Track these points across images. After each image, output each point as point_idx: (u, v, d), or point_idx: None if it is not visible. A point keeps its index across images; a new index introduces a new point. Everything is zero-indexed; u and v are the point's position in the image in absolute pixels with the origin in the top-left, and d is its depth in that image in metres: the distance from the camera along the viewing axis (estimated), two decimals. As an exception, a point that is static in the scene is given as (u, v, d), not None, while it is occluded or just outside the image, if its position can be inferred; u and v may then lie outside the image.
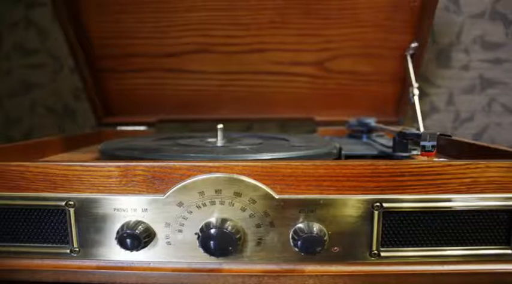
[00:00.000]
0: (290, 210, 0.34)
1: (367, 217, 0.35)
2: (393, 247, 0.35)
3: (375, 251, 0.35)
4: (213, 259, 0.35)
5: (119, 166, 0.35)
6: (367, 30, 0.71)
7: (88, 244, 0.36)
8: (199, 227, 0.34)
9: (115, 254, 0.36)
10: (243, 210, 0.35)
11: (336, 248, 0.35)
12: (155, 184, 0.35)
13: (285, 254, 0.35)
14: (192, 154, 0.42)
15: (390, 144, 0.52)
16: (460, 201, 0.34)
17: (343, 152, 0.50)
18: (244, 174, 0.34)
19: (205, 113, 0.81)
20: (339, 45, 0.73)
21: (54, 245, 0.37)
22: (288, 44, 0.74)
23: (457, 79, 0.88)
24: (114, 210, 0.35)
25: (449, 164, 0.34)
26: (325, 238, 0.34)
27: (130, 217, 0.35)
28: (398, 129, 0.50)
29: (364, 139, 0.65)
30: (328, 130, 0.78)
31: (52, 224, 0.37)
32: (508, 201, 0.34)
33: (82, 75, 0.76)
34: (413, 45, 0.66)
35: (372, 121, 0.66)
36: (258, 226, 0.35)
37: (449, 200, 0.34)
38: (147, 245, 0.35)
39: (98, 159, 0.50)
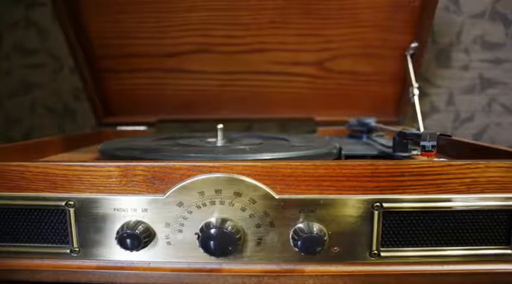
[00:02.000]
0: (290, 210, 0.34)
1: (367, 217, 0.35)
2: (393, 247, 0.35)
3: (375, 251, 0.35)
4: (213, 259, 0.35)
5: (119, 166, 0.35)
6: (367, 30, 0.71)
7: (88, 244, 0.36)
8: (199, 227, 0.34)
9: (115, 254, 0.36)
10: (243, 210, 0.35)
11: (336, 248, 0.35)
12: (155, 184, 0.35)
13: (285, 254, 0.35)
14: (192, 154, 0.42)
15: (390, 144, 0.52)
16: (460, 201, 0.34)
17: (343, 152, 0.50)
18: (244, 174, 0.34)
19: (205, 113, 0.81)
20: (339, 45, 0.73)
21: (54, 245, 0.37)
22: (288, 44, 0.74)
23: (457, 79, 0.88)
24: (114, 210, 0.35)
25: (449, 164, 0.34)
26: (325, 238, 0.34)
27: (130, 217, 0.35)
28: (398, 129, 0.50)
29: (364, 139, 0.65)
30: (328, 130, 0.78)
31: (52, 224, 0.37)
32: (508, 201, 0.34)
33: (82, 75, 0.76)
34: (413, 45, 0.66)
35: (372, 121, 0.66)
36: (258, 226, 0.35)
37: (449, 200, 0.34)
38: (147, 245, 0.35)
39: (98, 159, 0.50)
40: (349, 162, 0.35)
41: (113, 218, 0.36)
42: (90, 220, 0.36)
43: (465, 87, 0.89)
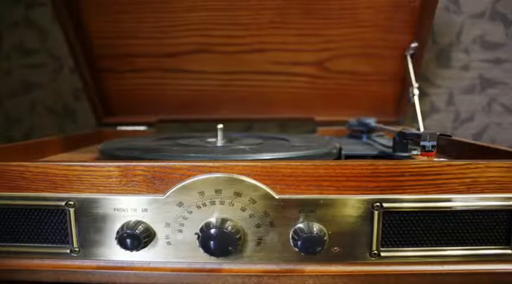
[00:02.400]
0: (290, 210, 0.34)
1: (367, 217, 0.35)
2: (393, 247, 0.35)
3: (375, 251, 0.35)
4: (213, 259, 0.35)
5: (119, 166, 0.35)
6: (367, 30, 0.71)
7: (88, 244, 0.36)
8: (199, 227, 0.34)
9: (115, 254, 0.36)
10: (243, 210, 0.35)
11: (336, 248, 0.35)
12: (155, 184, 0.35)
13: (285, 254, 0.35)
14: (192, 154, 0.42)
15: (390, 144, 0.52)
16: (460, 201, 0.34)
17: (343, 152, 0.50)
18: (244, 174, 0.34)
19: (205, 113, 0.81)
20: (339, 45, 0.73)
21: (54, 245, 0.37)
22: (288, 44, 0.74)
23: (457, 79, 0.88)
24: (114, 210, 0.35)
25: (449, 164, 0.34)
26: (325, 238, 0.34)
27: (130, 217, 0.35)
28: (398, 129, 0.50)
29: (364, 139, 0.65)
30: (328, 130, 0.78)
31: (52, 224, 0.37)
32: (508, 201, 0.34)
33: (82, 75, 0.76)
34: (413, 45, 0.66)
35: (372, 121, 0.66)
36: (258, 226, 0.35)
37: (449, 200, 0.34)
38: (147, 245, 0.35)
39: (98, 159, 0.50)
40: (349, 162, 0.35)
41: (113, 219, 0.36)
42: (90, 220, 0.36)
43: (465, 87, 0.89)
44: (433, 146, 0.41)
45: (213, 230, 0.33)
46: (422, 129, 0.58)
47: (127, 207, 0.35)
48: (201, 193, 0.34)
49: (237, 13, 0.71)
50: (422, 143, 0.41)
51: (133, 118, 0.81)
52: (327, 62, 0.75)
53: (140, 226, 0.35)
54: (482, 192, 0.34)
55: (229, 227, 0.34)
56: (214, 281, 0.36)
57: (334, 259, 0.36)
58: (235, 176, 0.34)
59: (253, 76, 0.78)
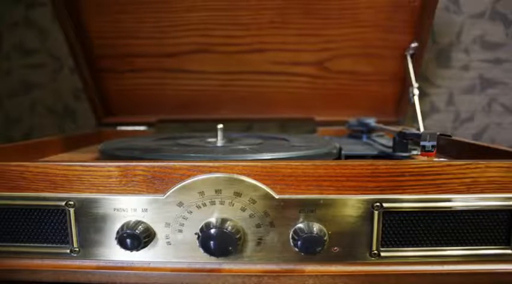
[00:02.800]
0: (290, 210, 0.34)
1: (367, 217, 0.35)
2: (393, 247, 0.36)
3: (375, 251, 0.35)
4: (213, 259, 0.35)
5: (119, 166, 0.35)
6: (367, 30, 0.71)
7: (88, 244, 0.36)
8: (199, 227, 0.34)
9: (115, 254, 0.36)
10: (243, 210, 0.35)
11: (336, 248, 0.35)
12: (155, 184, 0.35)
13: (285, 254, 0.35)
14: (192, 154, 0.42)
15: (390, 144, 0.52)
16: (460, 201, 0.34)
17: (343, 152, 0.50)
18: (244, 174, 0.34)
19: (205, 113, 0.81)
20: (339, 45, 0.73)
21: (54, 245, 0.37)
22: (288, 44, 0.74)
23: (457, 79, 0.88)
24: (114, 210, 0.35)
25: (449, 164, 0.34)
26: (325, 238, 0.34)
27: (131, 217, 0.35)
28: (398, 129, 0.50)
29: (364, 139, 0.65)
30: (328, 130, 0.78)
31: (52, 224, 0.37)
32: (508, 201, 0.34)
33: (82, 75, 0.76)
34: (413, 45, 0.66)
35: (372, 121, 0.66)
36: (258, 226, 0.35)
37: (449, 200, 0.34)
38: (147, 245, 0.35)
39: (98, 159, 0.50)
40: (349, 162, 0.35)
41: (113, 219, 0.36)
42: (90, 220, 0.36)
43: (465, 87, 0.89)
44: (433, 146, 0.41)
45: (213, 230, 0.33)
46: (422, 129, 0.58)
47: (127, 207, 0.35)
48: (201, 193, 0.34)
49: (237, 13, 0.71)
50: (422, 143, 0.41)
51: (133, 118, 0.81)
52: (327, 62, 0.75)
53: (140, 226, 0.35)
54: (482, 192, 0.34)
55: (229, 227, 0.34)
56: (214, 281, 0.36)
57: (334, 259, 0.36)
58: (235, 176, 0.34)
59: (253, 76, 0.78)
